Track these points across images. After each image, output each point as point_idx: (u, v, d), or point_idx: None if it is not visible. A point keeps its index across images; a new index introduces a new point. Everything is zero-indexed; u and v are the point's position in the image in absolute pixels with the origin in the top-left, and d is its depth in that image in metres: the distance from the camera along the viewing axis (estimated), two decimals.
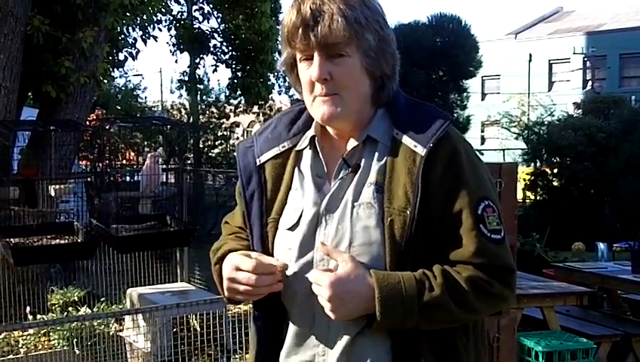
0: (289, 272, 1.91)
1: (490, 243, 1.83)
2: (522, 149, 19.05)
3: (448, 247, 1.83)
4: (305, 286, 1.86)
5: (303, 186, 1.97)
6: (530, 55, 40.87)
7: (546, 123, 18.48)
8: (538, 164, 17.80)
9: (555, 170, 17.20)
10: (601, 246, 9.28)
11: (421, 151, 1.83)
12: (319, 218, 1.90)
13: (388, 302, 1.76)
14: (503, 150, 22.84)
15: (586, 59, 37.30)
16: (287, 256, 1.92)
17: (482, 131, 37.70)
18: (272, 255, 1.95)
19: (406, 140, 1.87)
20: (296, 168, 2.00)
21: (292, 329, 1.94)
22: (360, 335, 1.84)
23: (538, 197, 17.21)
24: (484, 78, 38.09)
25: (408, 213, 1.80)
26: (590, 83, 33.96)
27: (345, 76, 1.85)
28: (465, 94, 23.25)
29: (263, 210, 1.98)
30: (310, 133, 2.00)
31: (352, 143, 1.94)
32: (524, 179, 16.89)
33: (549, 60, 40.76)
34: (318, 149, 1.97)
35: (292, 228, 1.93)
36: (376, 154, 1.90)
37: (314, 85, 1.88)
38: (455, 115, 22.11)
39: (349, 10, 1.82)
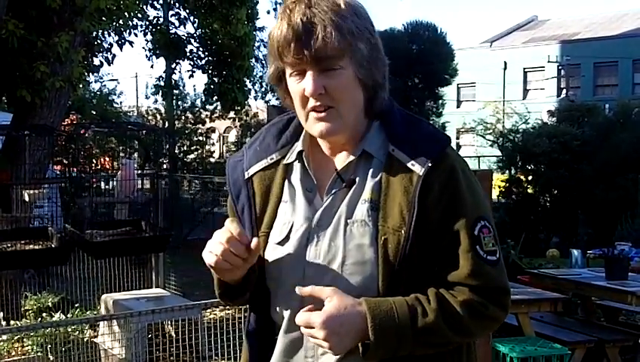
0: (279, 288, 1.89)
1: (486, 265, 1.82)
2: (497, 156, 19.14)
3: (444, 268, 1.81)
4: (295, 302, 1.84)
5: (293, 199, 1.92)
6: (505, 63, 41.16)
7: (520, 130, 18.57)
8: (513, 171, 17.88)
9: (530, 178, 17.30)
10: (576, 252, 9.34)
11: (419, 170, 1.80)
12: (310, 233, 1.86)
13: (382, 330, 1.73)
14: (478, 157, 22.97)
15: (560, 67, 37.63)
16: (277, 271, 1.89)
17: (457, 138, 37.86)
18: (262, 270, 1.92)
19: (402, 157, 1.83)
20: (286, 180, 1.95)
21: (280, 344, 1.92)
22: (350, 353, 1.78)
23: (513, 204, 17.27)
24: (459, 86, 38.28)
25: (403, 232, 1.77)
26: (564, 91, 34.23)
27: (339, 89, 1.80)
28: (440, 102, 23.36)
29: (253, 225, 1.94)
30: (298, 146, 1.95)
31: (344, 157, 1.90)
32: (499, 186, 16.97)
33: (524, 68, 41.07)
34: (306, 164, 1.92)
35: (282, 243, 1.89)
36: (371, 170, 1.86)
37: (307, 99, 1.82)
38: (431, 122, 22.17)
39: (341, 21, 1.77)
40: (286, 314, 1.89)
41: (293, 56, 1.78)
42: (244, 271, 1.86)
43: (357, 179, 1.87)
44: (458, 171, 1.85)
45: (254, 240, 1.80)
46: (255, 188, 1.97)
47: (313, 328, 1.74)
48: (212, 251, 1.80)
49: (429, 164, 1.80)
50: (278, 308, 1.91)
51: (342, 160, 1.90)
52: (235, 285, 1.93)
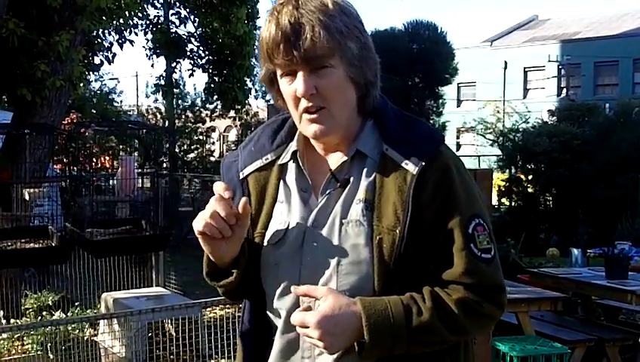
0: (275, 289, 1.88)
1: (481, 263, 1.81)
2: (497, 156, 19.11)
3: (439, 266, 1.81)
4: (291, 302, 1.84)
5: (289, 200, 1.92)
6: (506, 62, 41.16)
7: (520, 130, 18.53)
8: (513, 171, 17.87)
9: (530, 177, 17.27)
10: (576, 251, 9.32)
11: (412, 169, 1.80)
12: (305, 234, 1.86)
13: (377, 330, 1.73)
14: (479, 156, 22.95)
15: (560, 66, 37.65)
16: (273, 271, 1.89)
17: (458, 138, 37.89)
18: (258, 270, 1.92)
19: (396, 157, 1.83)
20: (282, 180, 1.95)
21: (277, 345, 1.91)
22: (347, 353, 1.79)
23: (513, 204, 17.28)
24: (459, 85, 38.28)
25: (397, 231, 1.78)
26: (565, 90, 34.27)
27: (331, 88, 1.80)
28: (441, 101, 23.31)
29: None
30: (292, 146, 1.95)
31: (338, 157, 1.90)
32: (499, 186, 16.96)
33: (524, 68, 41.10)
34: (301, 164, 1.92)
35: (277, 244, 1.89)
36: (365, 169, 1.86)
37: (299, 100, 1.81)
38: (431, 121, 22.18)
39: (329, 20, 1.76)
40: (282, 314, 1.89)
41: (283, 57, 1.78)
42: (234, 250, 1.85)
43: (351, 178, 1.87)
44: (452, 169, 1.84)
45: (243, 199, 1.80)
46: (250, 189, 1.97)
47: (308, 327, 1.74)
48: (201, 216, 1.79)
49: (423, 163, 1.80)
50: (274, 309, 1.91)
51: (336, 160, 1.91)
52: (223, 268, 1.91)
